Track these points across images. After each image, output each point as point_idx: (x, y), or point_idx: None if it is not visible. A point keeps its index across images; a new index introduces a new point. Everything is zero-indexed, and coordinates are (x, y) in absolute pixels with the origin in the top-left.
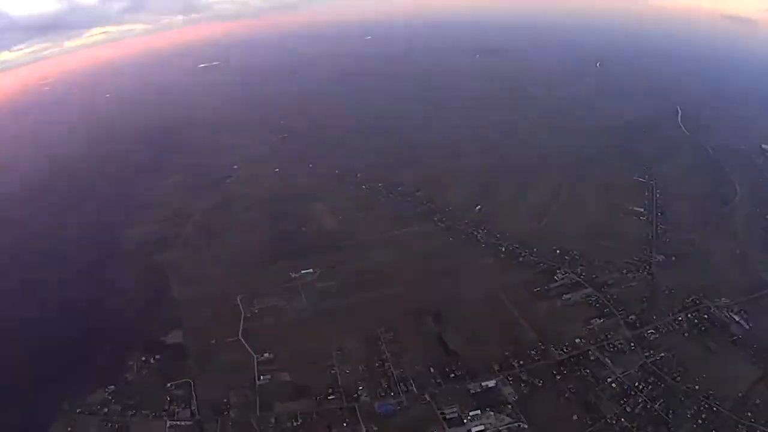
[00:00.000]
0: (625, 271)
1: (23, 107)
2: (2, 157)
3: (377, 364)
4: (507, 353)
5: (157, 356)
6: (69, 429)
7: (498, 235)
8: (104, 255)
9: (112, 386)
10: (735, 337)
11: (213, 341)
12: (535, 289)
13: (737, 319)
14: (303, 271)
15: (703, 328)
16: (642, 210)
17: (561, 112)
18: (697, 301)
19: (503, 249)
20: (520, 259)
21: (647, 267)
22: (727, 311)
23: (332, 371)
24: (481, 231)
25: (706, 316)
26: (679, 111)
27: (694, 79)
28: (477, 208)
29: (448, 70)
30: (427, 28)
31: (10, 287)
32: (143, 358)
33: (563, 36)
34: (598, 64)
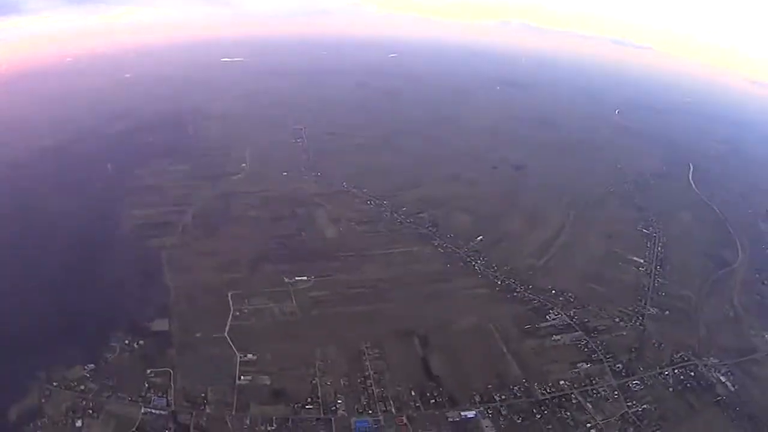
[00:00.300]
0: (617, 320)
1: (43, 77)
2: (13, 123)
3: (359, 380)
4: (490, 386)
5: (141, 341)
6: (42, 400)
7: (495, 267)
8: (101, 233)
9: (92, 365)
10: (719, 398)
11: (198, 334)
12: (526, 326)
13: (723, 380)
14: (297, 278)
15: (688, 384)
16: (642, 261)
17: (575, 152)
18: (686, 358)
19: (499, 281)
20: (515, 293)
21: (640, 318)
22: (715, 371)
23: (313, 381)
24: (479, 260)
25: (692, 374)
26: (691, 167)
27: (709, 137)
28: (478, 238)
29: (469, 97)
30: (456, 54)
31: (1, 257)
32: (126, 341)
33: (587, 80)
34: (617, 112)
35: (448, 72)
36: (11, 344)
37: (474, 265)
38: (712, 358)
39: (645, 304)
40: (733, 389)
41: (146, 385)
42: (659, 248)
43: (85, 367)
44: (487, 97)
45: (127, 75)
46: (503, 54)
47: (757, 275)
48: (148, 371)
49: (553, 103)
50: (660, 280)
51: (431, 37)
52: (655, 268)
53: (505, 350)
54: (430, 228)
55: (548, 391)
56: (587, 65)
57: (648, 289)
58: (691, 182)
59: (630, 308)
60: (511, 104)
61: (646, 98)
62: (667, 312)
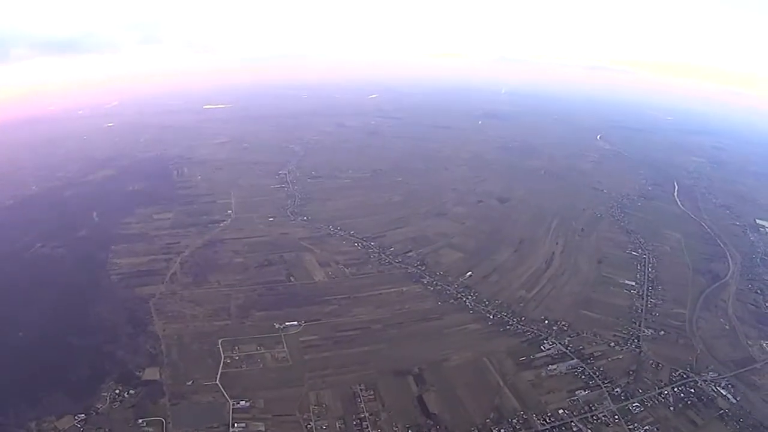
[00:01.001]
0: (612, 344)
1: (27, 125)
2: (1, 171)
3: (354, 422)
4: (488, 420)
5: (132, 390)
6: None
7: (487, 302)
8: (89, 282)
9: (83, 415)
10: (722, 411)
11: (190, 382)
12: (521, 358)
13: (724, 393)
14: (288, 323)
15: (689, 402)
16: (633, 283)
17: (559, 179)
18: (684, 375)
19: (491, 315)
20: (508, 326)
21: (635, 340)
22: (715, 385)
23: (308, 426)
24: (470, 296)
25: (692, 390)
26: (676, 184)
27: (690, 152)
28: (468, 273)
29: (451, 133)
30: (435, 90)
31: None
32: (117, 391)
33: (566, 107)
34: (599, 137)
35: (428, 109)
36: (2, 391)
37: (465, 301)
38: (711, 373)
39: (639, 325)
40: (735, 401)
41: None
42: (650, 269)
43: (76, 417)
44: (469, 130)
45: (110, 124)
46: (482, 87)
47: (750, 285)
48: (140, 421)
49: (535, 132)
50: (653, 300)
51: (409, 75)
52: (647, 289)
53: (501, 383)
54: (419, 266)
55: (547, 421)
56: (566, 91)
57: (641, 310)
58: (677, 199)
59: (625, 332)
60: (493, 136)
61: (626, 119)
62: (662, 332)
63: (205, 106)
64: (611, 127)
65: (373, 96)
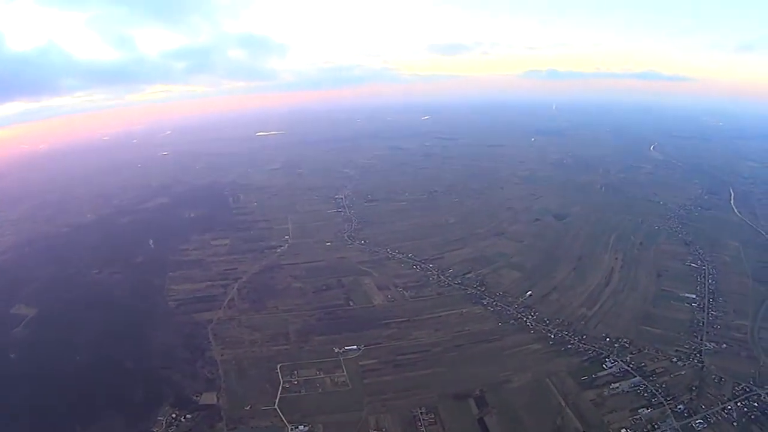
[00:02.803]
0: (674, 359)
1: (81, 154)
2: (55, 200)
3: None
4: None
5: (188, 415)
6: None
7: (548, 321)
8: (146, 308)
9: None
10: None
11: (248, 407)
12: (583, 377)
13: None
14: (347, 347)
15: (752, 416)
16: (694, 296)
17: (615, 193)
18: (748, 389)
19: (552, 335)
20: (569, 345)
21: (697, 355)
22: None
23: None
24: (531, 316)
25: (756, 404)
26: (732, 192)
27: (746, 158)
28: (528, 293)
29: (505, 151)
30: (487, 109)
31: (51, 331)
32: (173, 415)
33: (617, 118)
34: (652, 147)
35: (481, 128)
36: (58, 418)
37: (525, 321)
38: None
39: (701, 339)
40: None
41: None
42: (710, 280)
43: None
44: (523, 148)
45: (165, 152)
46: (534, 104)
47: None
48: None
49: (588, 146)
50: (714, 313)
51: (461, 95)
52: (708, 301)
53: (563, 404)
54: (478, 287)
55: None
56: (617, 103)
57: (703, 324)
58: (734, 207)
59: (686, 346)
60: (547, 152)
61: (677, 126)
62: (724, 345)
63: (257, 133)
64: (663, 135)
65: (426, 117)
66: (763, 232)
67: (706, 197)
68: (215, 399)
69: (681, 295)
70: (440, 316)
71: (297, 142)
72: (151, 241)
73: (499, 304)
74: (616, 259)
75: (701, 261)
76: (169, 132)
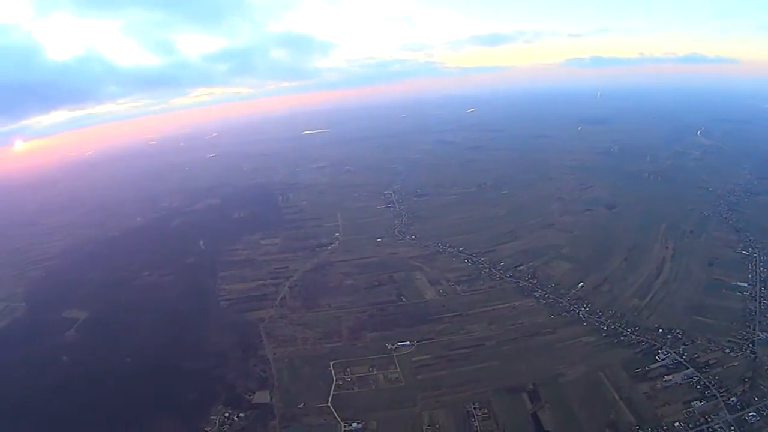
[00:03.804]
0: (727, 350)
1: (129, 159)
2: (104, 204)
3: None
4: None
5: (241, 414)
6: None
7: (600, 312)
8: (197, 308)
9: None
10: None
11: (301, 405)
12: (636, 370)
13: None
14: (400, 343)
15: None
16: (746, 285)
17: (664, 181)
18: None
19: (605, 327)
20: (622, 337)
21: (750, 345)
22: None
23: None
24: (583, 308)
25: None
26: None
27: None
28: (580, 284)
29: (552, 141)
30: (531, 99)
31: (103, 333)
32: (226, 414)
33: (662, 103)
34: (699, 133)
35: (526, 119)
36: (111, 418)
37: (578, 313)
38: None
39: (754, 329)
40: None
41: None
42: (762, 268)
43: None
44: (569, 138)
45: (212, 154)
46: (578, 92)
47: None
48: None
49: (634, 134)
50: (766, 302)
51: (505, 86)
52: (760, 290)
53: (616, 397)
54: (530, 280)
55: None
56: (661, 88)
57: (755, 313)
58: None
59: (739, 336)
60: (594, 141)
61: (724, 111)
62: None
63: (303, 132)
64: (709, 120)
65: (471, 110)
66: None
67: (755, 182)
68: (268, 397)
69: (733, 283)
70: (493, 309)
71: (343, 139)
72: (201, 242)
73: (551, 296)
74: (667, 248)
75: (752, 248)
76: (215, 134)
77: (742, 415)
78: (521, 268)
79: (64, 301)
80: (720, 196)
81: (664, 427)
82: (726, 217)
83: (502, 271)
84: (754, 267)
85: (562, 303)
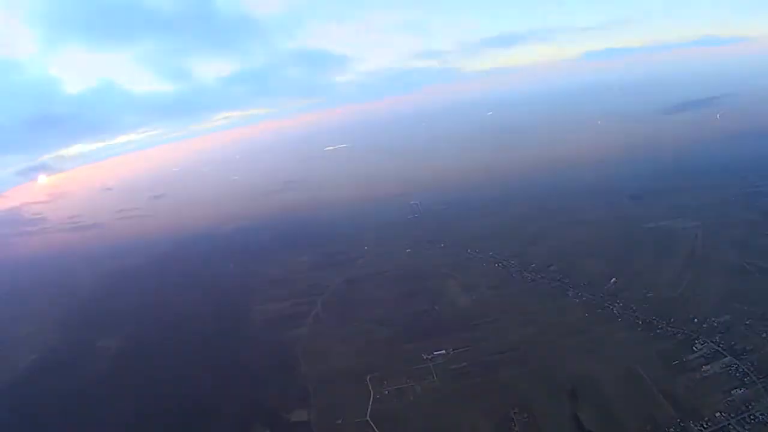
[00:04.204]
0: (764, 335)
1: (151, 187)
2: (131, 232)
3: None
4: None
5: None
6: None
7: (634, 307)
8: (232, 328)
9: None
10: None
11: (339, 421)
12: (674, 362)
13: None
14: (436, 352)
15: None
16: None
17: (688, 169)
18: None
19: (640, 321)
20: (658, 330)
21: None
22: None
23: None
24: (616, 303)
25: None
26: None
27: None
28: (612, 280)
29: (571, 136)
30: (548, 97)
31: (140, 352)
32: None
33: (680, 90)
34: (718, 116)
35: (544, 117)
36: None
37: (612, 310)
38: None
39: None
40: None
41: None
42: None
43: None
44: (589, 132)
45: (235, 177)
46: (595, 85)
47: None
48: None
49: (654, 125)
50: None
51: (523, 85)
52: None
53: (656, 391)
54: (562, 279)
55: (705, 426)
56: (677, 74)
57: None
58: None
59: None
60: (614, 135)
61: (741, 91)
62: None
63: (326, 148)
64: (728, 102)
65: (490, 113)
66: None
67: None
68: (306, 416)
69: (765, 267)
70: (527, 311)
71: (365, 154)
72: (231, 264)
73: (584, 294)
74: (696, 236)
75: None
76: (238, 157)
77: None
78: (552, 267)
79: (98, 328)
80: (746, 180)
81: (706, 418)
82: (753, 200)
83: (533, 273)
84: None
85: (595, 300)
